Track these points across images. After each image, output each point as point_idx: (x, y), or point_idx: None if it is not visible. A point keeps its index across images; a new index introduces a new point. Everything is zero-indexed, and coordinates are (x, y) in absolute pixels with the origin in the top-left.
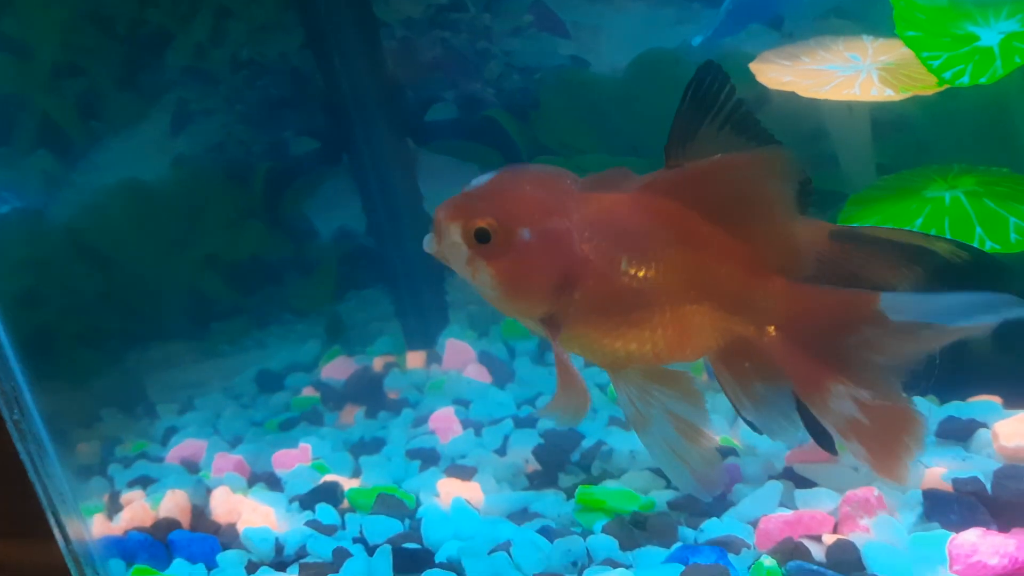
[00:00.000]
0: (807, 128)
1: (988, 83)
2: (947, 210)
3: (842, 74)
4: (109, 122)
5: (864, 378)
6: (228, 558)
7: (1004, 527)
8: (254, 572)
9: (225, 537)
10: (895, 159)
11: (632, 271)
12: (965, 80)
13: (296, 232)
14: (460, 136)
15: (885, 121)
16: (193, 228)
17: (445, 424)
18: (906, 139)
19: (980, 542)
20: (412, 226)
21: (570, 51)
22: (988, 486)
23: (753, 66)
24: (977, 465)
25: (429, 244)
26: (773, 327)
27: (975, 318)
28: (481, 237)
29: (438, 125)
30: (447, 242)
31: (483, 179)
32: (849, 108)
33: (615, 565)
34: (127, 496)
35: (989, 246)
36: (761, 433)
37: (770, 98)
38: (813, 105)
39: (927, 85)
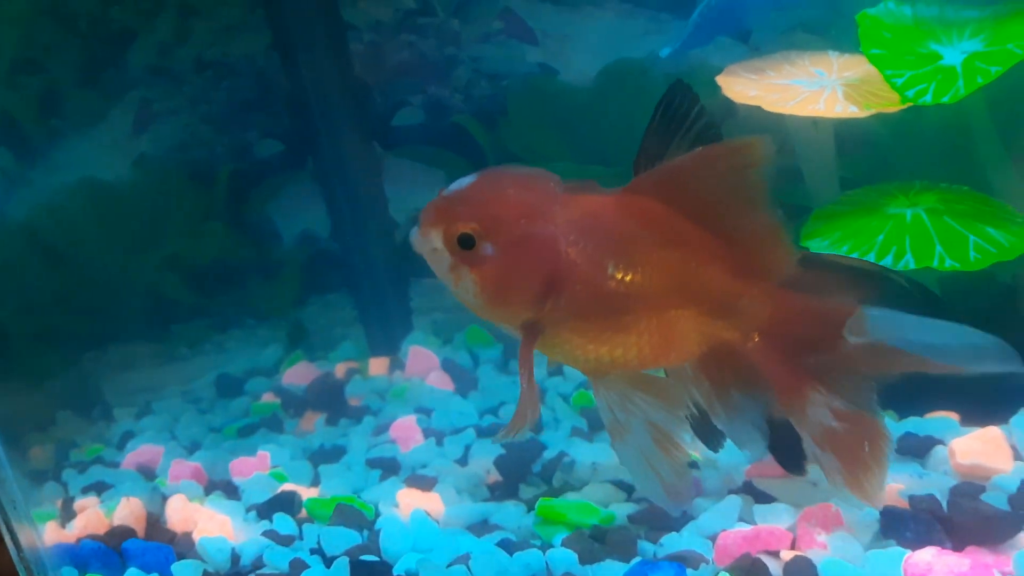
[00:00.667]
0: (772, 142)
1: (950, 102)
2: (908, 227)
3: (807, 89)
4: (70, 120)
5: (840, 387)
6: (183, 568)
7: (959, 546)
8: None
9: (180, 546)
10: (859, 174)
11: (619, 275)
12: (928, 99)
13: (259, 235)
14: (427, 141)
15: (849, 136)
16: (154, 229)
17: (406, 433)
18: (870, 155)
19: (935, 561)
20: (377, 231)
21: (539, 59)
22: (944, 504)
23: (720, 79)
24: (933, 482)
25: (416, 245)
26: (757, 333)
27: (957, 358)
28: (464, 243)
29: (405, 130)
30: (427, 248)
31: (464, 182)
32: (814, 123)
33: None
34: (81, 503)
35: (949, 264)
36: (715, 451)
37: (736, 111)
38: (778, 119)
39: (891, 102)
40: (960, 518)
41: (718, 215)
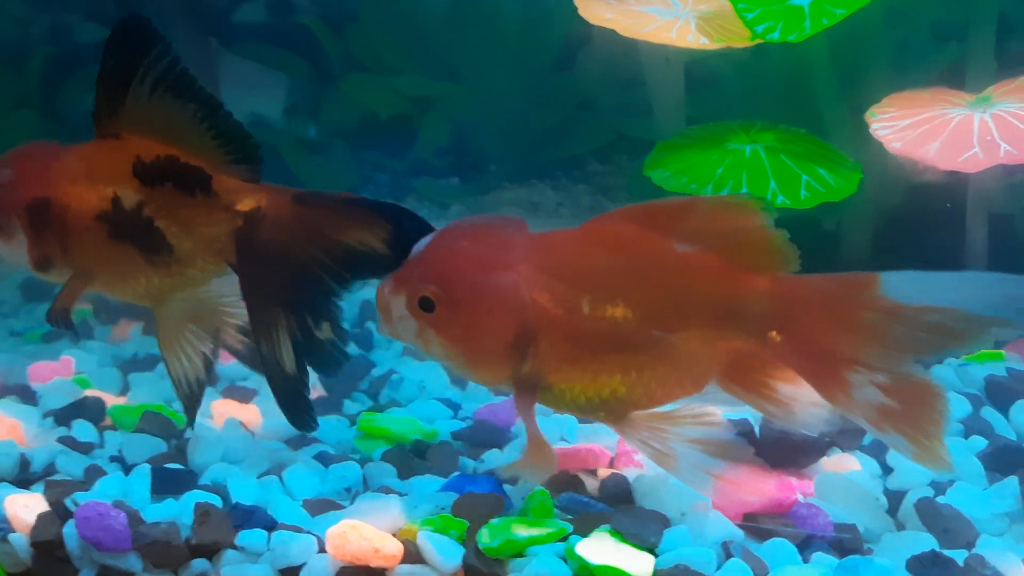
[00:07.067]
0: (626, 75)
1: (796, 40)
2: (746, 162)
3: (662, 18)
4: None
5: (879, 360)
6: None
7: (767, 467)
8: None
9: None
10: (705, 114)
11: (598, 312)
12: (775, 36)
13: (76, 127)
14: (269, 41)
15: (698, 75)
16: None
17: None
18: (716, 95)
19: (743, 479)
20: None
21: None
22: (757, 429)
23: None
24: (749, 408)
25: (381, 327)
26: (775, 332)
27: (989, 306)
28: (426, 306)
29: (245, 27)
30: (395, 317)
31: (423, 243)
32: (666, 59)
33: (389, 492)
34: None
35: (780, 200)
36: (309, 430)
37: (592, 39)
38: (633, 54)
39: (740, 37)
40: (770, 440)
41: (703, 239)
